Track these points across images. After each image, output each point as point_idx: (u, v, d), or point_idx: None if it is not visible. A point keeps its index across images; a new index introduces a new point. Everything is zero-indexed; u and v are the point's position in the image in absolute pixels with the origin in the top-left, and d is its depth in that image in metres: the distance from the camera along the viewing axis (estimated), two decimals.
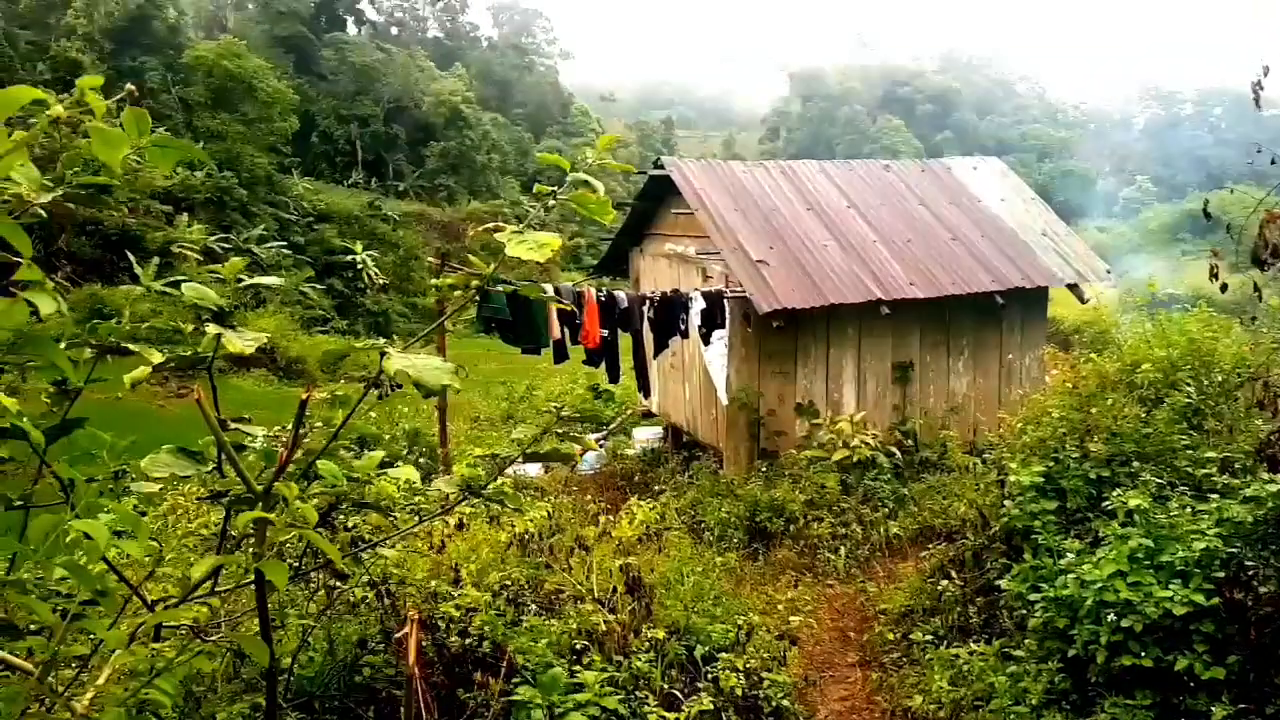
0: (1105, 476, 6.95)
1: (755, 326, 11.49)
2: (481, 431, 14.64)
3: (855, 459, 10.58)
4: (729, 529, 9.51)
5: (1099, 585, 5.34)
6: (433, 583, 4.83)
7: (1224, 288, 5.80)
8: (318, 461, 2.17)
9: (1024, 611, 6.24)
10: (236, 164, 35.19)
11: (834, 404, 12.23)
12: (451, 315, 2.65)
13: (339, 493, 2.35)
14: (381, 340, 2.09)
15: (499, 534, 5.71)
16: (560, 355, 10.48)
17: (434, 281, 2.45)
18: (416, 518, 3.59)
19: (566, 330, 10.17)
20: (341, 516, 4.05)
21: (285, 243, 34.24)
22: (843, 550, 8.88)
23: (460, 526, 5.45)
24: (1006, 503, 7.08)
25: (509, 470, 2.70)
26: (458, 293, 2.31)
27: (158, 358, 2.00)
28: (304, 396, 1.95)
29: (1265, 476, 5.76)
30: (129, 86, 1.40)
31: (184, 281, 1.99)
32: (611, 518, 6.69)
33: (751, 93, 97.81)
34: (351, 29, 59.33)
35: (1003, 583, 6.57)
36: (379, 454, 2.37)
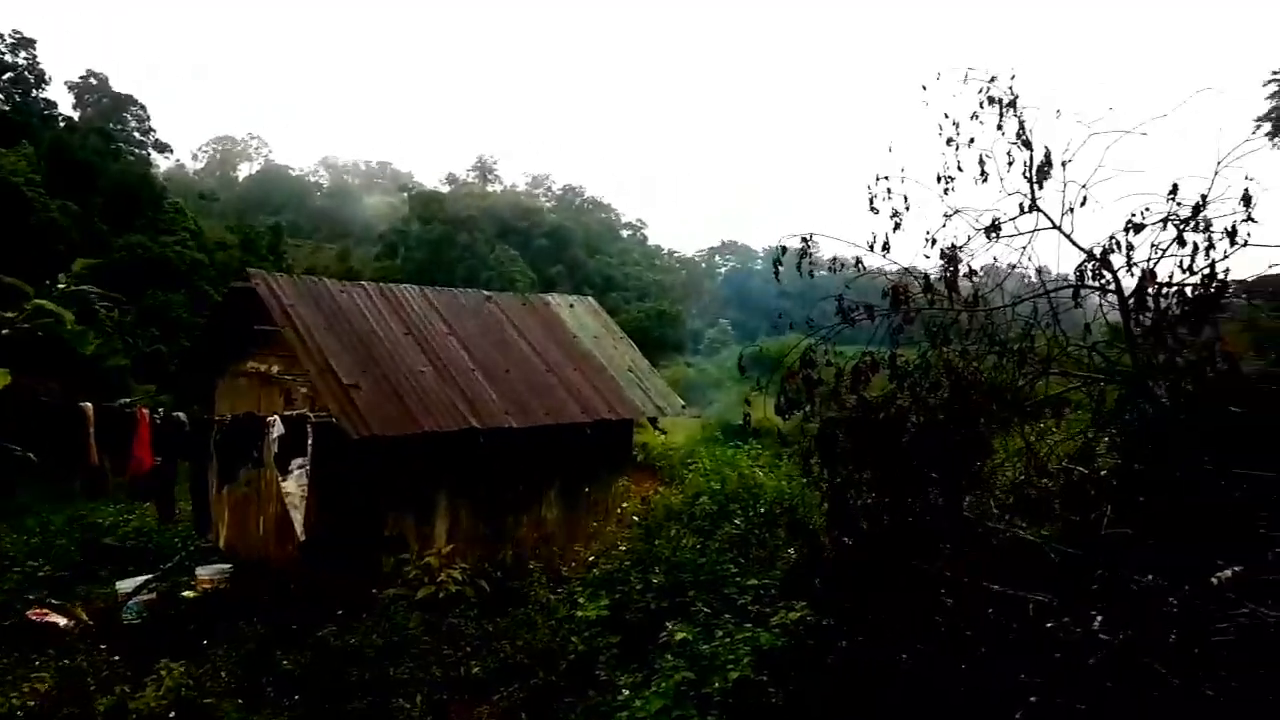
0: (665, 608, 7.32)
1: (343, 455, 10.82)
2: None
3: (441, 595, 10.20)
4: (293, 684, 8.54)
5: None
6: None
7: (755, 433, 6.51)
8: None
9: None
10: None
11: (424, 537, 11.83)
12: None
13: None
14: None
15: None
16: (98, 487, 8.98)
17: None
18: None
19: (108, 457, 8.76)
20: None
21: None
22: (419, 697, 8.34)
23: None
24: (573, 638, 7.15)
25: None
26: None
27: None
28: None
29: (789, 603, 6.41)
30: None
31: None
32: (129, 688, 5.62)
33: (369, 207, 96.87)
34: None
35: None
36: None
